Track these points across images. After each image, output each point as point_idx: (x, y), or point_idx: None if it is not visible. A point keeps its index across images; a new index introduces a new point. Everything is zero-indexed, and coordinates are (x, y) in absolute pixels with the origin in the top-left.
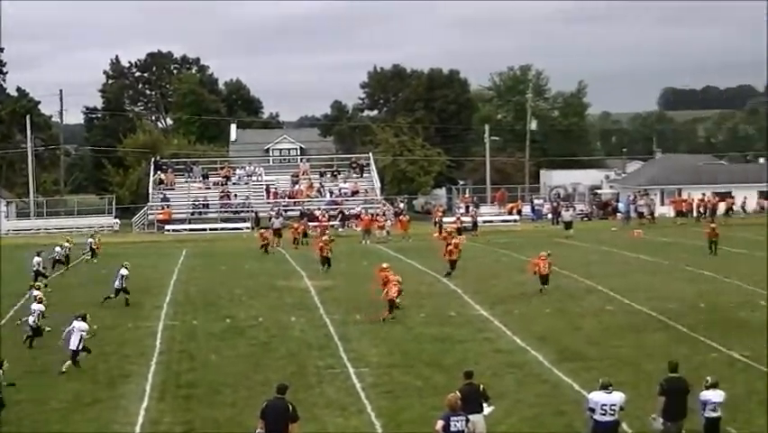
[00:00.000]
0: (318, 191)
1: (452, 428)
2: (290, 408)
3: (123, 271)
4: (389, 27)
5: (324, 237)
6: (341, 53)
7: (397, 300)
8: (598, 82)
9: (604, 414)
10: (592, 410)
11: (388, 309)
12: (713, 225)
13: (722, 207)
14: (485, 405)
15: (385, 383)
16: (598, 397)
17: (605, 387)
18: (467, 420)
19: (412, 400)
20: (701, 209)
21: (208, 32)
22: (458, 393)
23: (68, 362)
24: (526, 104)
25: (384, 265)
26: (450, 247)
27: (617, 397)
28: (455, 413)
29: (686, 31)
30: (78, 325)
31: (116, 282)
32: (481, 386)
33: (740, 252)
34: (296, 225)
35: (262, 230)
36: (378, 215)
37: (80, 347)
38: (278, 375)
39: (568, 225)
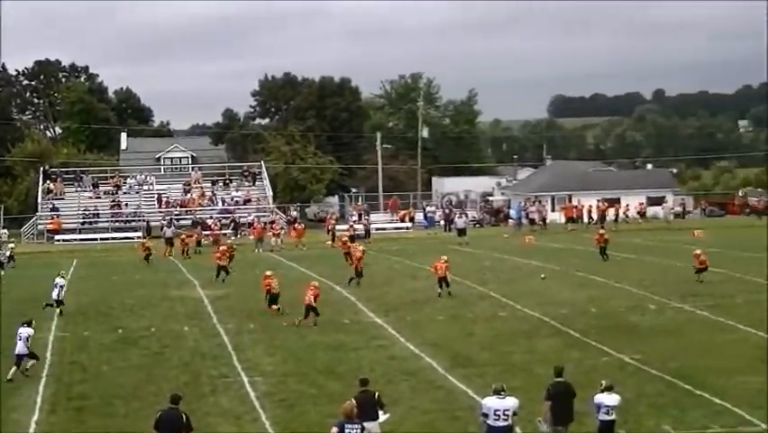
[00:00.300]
0: (210, 200)
1: None
2: (184, 418)
3: (60, 281)
4: (281, 35)
5: (223, 247)
6: (232, 61)
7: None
8: (488, 90)
9: (497, 419)
10: (486, 416)
11: (305, 314)
12: (601, 231)
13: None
14: (381, 412)
15: (279, 392)
16: (491, 402)
17: (498, 392)
18: (362, 429)
19: (307, 408)
20: (592, 215)
21: (97, 39)
22: (353, 401)
23: (14, 368)
24: (418, 111)
25: (268, 273)
26: (358, 254)
27: (511, 402)
28: (350, 421)
29: (575, 39)
30: (24, 331)
31: (54, 293)
32: (377, 393)
33: (630, 257)
34: (184, 234)
35: (144, 240)
36: (272, 223)
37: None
38: (171, 385)
39: (461, 231)
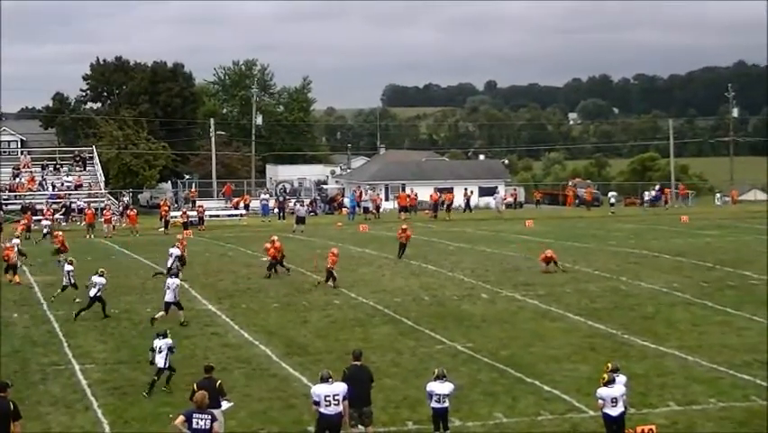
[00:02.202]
0: (40, 185)
1: (194, 426)
2: (12, 406)
3: (100, 280)
4: (112, 20)
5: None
6: (62, 44)
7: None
8: (322, 78)
9: (328, 405)
10: (317, 403)
11: (326, 278)
12: (404, 227)
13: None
14: (223, 401)
15: (113, 380)
16: (320, 389)
17: (325, 379)
18: (212, 420)
19: (140, 397)
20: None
21: None
22: (205, 391)
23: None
24: (252, 99)
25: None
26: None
27: (339, 387)
28: (201, 411)
29: (408, 30)
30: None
31: (92, 291)
32: (219, 381)
33: (462, 246)
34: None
35: None
36: (105, 209)
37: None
38: None
39: (301, 220)
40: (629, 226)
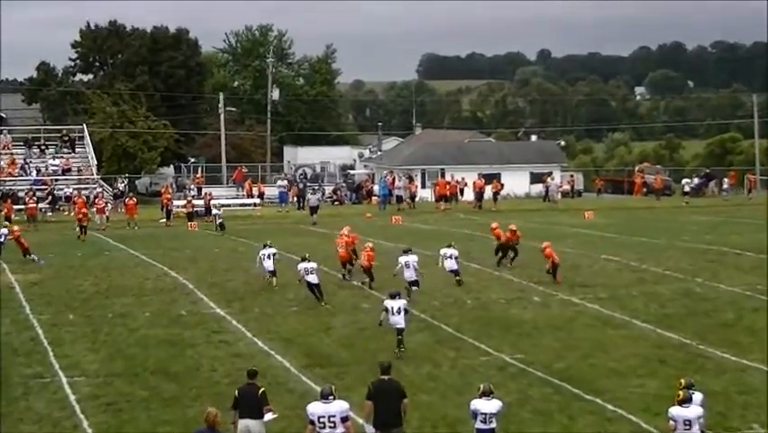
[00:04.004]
0: (22, 168)
1: None
2: None
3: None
4: None
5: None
6: (47, 7)
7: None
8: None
9: (323, 427)
10: (312, 424)
11: (370, 278)
12: (513, 228)
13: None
14: (266, 412)
15: (105, 394)
16: (314, 408)
17: (325, 396)
18: None
19: (137, 414)
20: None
21: None
22: (215, 409)
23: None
24: (267, 70)
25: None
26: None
27: (336, 407)
28: (212, 430)
29: None
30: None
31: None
32: (262, 389)
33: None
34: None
35: None
36: (98, 197)
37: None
38: None
39: (313, 210)
40: (705, 219)
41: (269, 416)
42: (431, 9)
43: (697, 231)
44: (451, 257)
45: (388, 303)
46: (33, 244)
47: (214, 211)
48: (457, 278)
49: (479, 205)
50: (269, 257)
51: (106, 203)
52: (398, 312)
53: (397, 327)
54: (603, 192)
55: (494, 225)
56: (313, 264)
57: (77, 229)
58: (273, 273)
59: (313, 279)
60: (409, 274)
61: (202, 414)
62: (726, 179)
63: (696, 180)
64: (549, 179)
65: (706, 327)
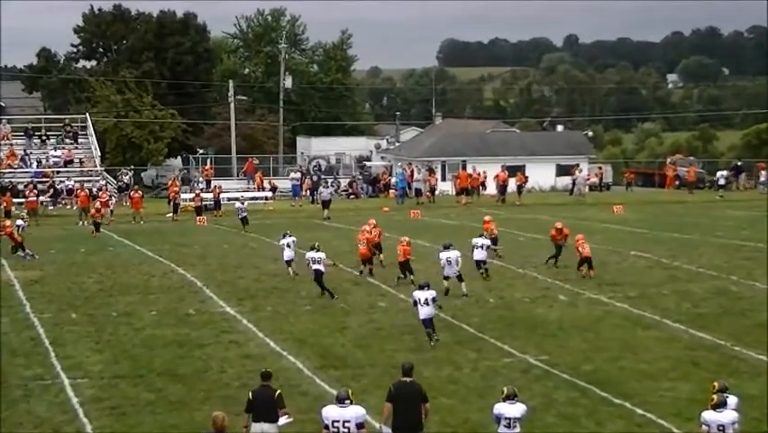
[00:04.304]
0: (23, 160)
1: None
2: None
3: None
4: None
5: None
6: None
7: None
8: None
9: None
10: (326, 428)
11: (404, 274)
12: (559, 226)
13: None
14: (281, 415)
15: (109, 397)
16: (330, 412)
17: (341, 400)
18: None
19: (142, 418)
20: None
21: None
22: (222, 413)
23: None
24: (280, 56)
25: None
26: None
27: (351, 412)
28: None
29: None
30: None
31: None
32: (278, 391)
33: (536, 237)
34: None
35: None
36: (102, 190)
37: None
38: None
39: (326, 203)
40: (741, 214)
41: (283, 420)
42: None
43: (732, 226)
44: (482, 247)
45: (417, 294)
46: (34, 239)
47: (238, 205)
48: (481, 270)
49: (502, 198)
50: (288, 246)
51: (110, 196)
52: (427, 303)
53: (427, 318)
54: (633, 185)
55: (487, 218)
56: (321, 254)
57: (92, 226)
58: (290, 263)
59: (318, 268)
60: (451, 271)
61: (210, 418)
62: (763, 172)
63: (725, 173)
64: (577, 172)
65: (741, 328)
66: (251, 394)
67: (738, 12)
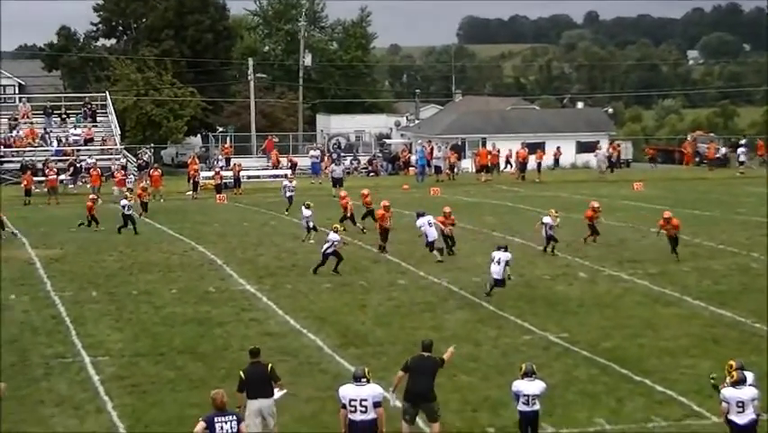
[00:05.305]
0: (42, 138)
1: (218, 430)
2: None
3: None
4: None
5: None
6: None
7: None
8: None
9: (354, 411)
10: (344, 407)
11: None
12: (596, 205)
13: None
14: (276, 389)
15: (130, 376)
16: (347, 391)
17: (357, 378)
18: (238, 421)
19: (163, 396)
20: (510, 162)
21: None
22: (221, 390)
23: None
24: (299, 34)
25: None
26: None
27: (368, 390)
28: (222, 412)
29: None
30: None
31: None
32: (270, 366)
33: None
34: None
35: None
36: (117, 169)
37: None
38: None
39: (337, 181)
40: (762, 190)
41: (278, 393)
42: None
43: (754, 203)
44: (499, 262)
45: (495, 254)
46: (54, 217)
47: (285, 183)
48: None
49: (522, 176)
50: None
51: (127, 175)
52: (498, 263)
53: (495, 277)
54: (653, 162)
55: (447, 209)
56: (336, 236)
57: (139, 206)
58: (313, 228)
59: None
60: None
61: (230, 396)
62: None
63: (745, 150)
64: (598, 149)
65: (762, 305)
66: (242, 374)
67: None
